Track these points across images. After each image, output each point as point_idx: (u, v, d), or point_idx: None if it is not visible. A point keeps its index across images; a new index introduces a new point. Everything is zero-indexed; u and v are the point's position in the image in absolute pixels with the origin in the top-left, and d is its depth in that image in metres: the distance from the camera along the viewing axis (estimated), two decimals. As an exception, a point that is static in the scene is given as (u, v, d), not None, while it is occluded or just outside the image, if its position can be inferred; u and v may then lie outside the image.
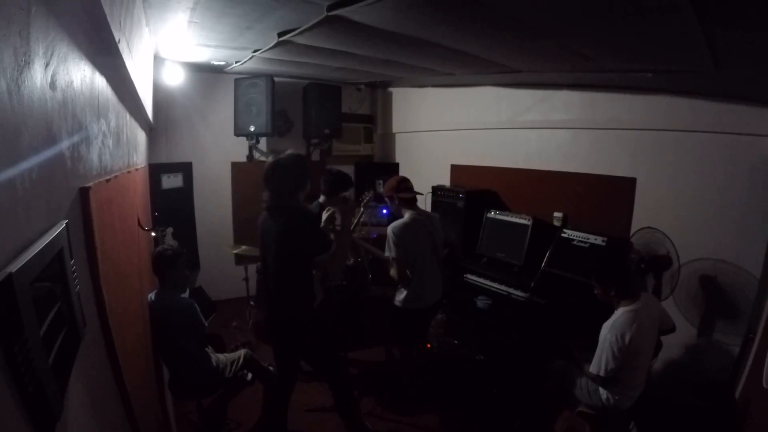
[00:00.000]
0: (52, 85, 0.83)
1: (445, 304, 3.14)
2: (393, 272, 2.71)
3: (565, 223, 3.49)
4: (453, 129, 4.59)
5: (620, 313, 2.17)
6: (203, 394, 2.49)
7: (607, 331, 2.15)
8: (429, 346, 3.57)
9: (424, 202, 3.89)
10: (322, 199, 3.06)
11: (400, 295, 2.78)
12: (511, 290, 3.29)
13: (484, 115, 4.22)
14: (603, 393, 2.25)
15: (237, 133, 4.52)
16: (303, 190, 2.23)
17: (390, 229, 2.68)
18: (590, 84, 3.30)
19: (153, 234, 3.08)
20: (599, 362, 2.15)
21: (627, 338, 2.08)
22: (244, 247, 3.95)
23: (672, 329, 2.37)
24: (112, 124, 1.59)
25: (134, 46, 1.77)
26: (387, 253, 2.70)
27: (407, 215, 2.76)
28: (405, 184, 2.78)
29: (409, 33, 2.21)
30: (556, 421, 2.52)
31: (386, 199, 2.88)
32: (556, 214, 3.57)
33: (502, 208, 3.95)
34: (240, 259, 4.13)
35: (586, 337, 2.37)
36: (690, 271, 2.76)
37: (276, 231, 2.15)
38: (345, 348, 3.56)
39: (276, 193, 2.16)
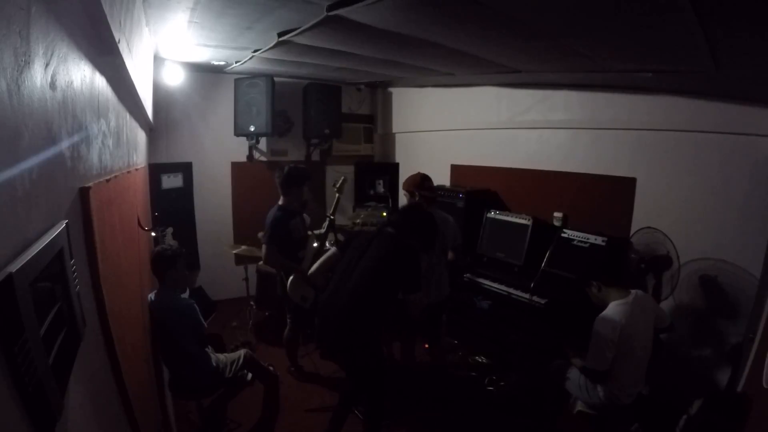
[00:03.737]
0: (52, 85, 0.83)
1: (446, 306, 3.15)
2: None
3: (565, 223, 3.49)
4: (453, 129, 4.59)
5: (610, 306, 2.23)
6: (203, 394, 2.49)
7: (598, 325, 2.19)
8: (427, 346, 3.57)
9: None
10: (281, 200, 3.00)
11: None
12: (511, 290, 3.29)
13: (484, 115, 4.22)
14: (600, 390, 2.25)
15: (237, 133, 4.51)
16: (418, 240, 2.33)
17: None
18: (590, 84, 3.30)
19: (153, 234, 3.09)
20: (593, 356, 2.18)
21: (617, 329, 2.12)
22: (243, 247, 3.95)
23: (669, 328, 2.38)
24: (112, 124, 1.59)
25: (134, 46, 1.77)
26: None
27: None
28: (428, 183, 2.87)
29: (409, 33, 2.20)
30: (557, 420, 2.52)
31: (406, 194, 2.91)
32: (556, 214, 3.56)
33: (502, 208, 3.94)
34: (240, 259, 4.13)
35: (586, 337, 2.38)
36: (690, 271, 2.76)
37: (380, 253, 2.23)
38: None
39: (402, 228, 2.31)
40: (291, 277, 2.90)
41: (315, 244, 3.12)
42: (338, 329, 2.22)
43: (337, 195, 3.34)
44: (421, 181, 2.85)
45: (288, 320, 3.22)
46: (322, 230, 3.40)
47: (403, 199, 5.02)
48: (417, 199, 2.84)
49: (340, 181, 3.38)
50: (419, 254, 2.30)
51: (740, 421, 1.98)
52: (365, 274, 2.21)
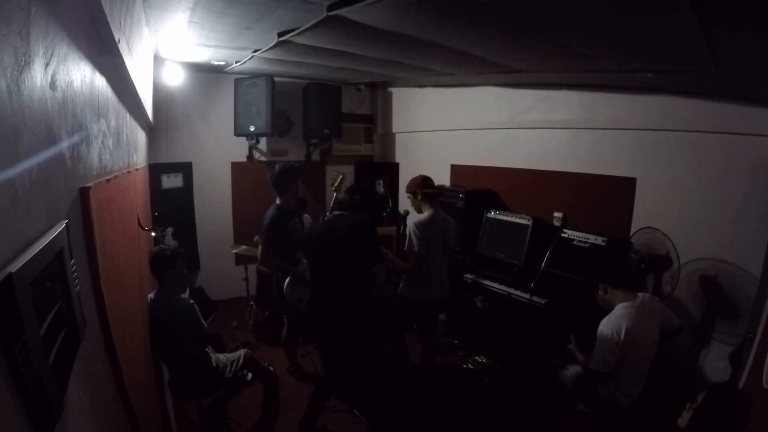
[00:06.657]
0: (52, 85, 0.83)
1: (445, 304, 3.16)
2: (407, 265, 2.81)
3: (565, 223, 3.49)
4: (453, 129, 4.59)
5: (616, 309, 2.22)
6: (203, 394, 2.49)
7: (604, 327, 2.19)
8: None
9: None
10: (279, 200, 3.00)
11: (407, 286, 2.90)
12: (511, 290, 3.29)
13: (484, 115, 4.22)
14: (601, 391, 2.25)
15: (237, 133, 4.52)
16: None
17: (413, 224, 2.79)
18: (590, 84, 3.30)
19: (153, 234, 3.08)
20: (598, 358, 2.17)
21: (623, 332, 2.11)
22: (243, 247, 3.95)
23: (679, 330, 2.37)
24: (112, 124, 1.59)
25: (134, 46, 1.77)
26: (407, 247, 2.80)
27: (428, 213, 2.85)
28: (429, 182, 2.93)
29: (409, 33, 2.21)
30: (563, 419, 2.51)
31: (409, 195, 2.95)
32: (556, 214, 3.56)
33: (502, 208, 3.94)
34: (240, 259, 4.14)
35: (585, 336, 2.38)
36: (690, 271, 2.76)
37: (342, 236, 2.33)
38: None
39: (351, 207, 2.48)
40: (287, 278, 2.90)
41: None
42: (333, 330, 2.42)
43: (335, 194, 3.34)
44: (423, 181, 2.90)
45: (285, 321, 3.22)
46: None
47: (404, 201, 5.05)
48: (420, 198, 2.87)
49: (338, 180, 3.39)
50: (373, 226, 2.49)
51: (740, 416, 1.98)
52: (339, 265, 2.36)
